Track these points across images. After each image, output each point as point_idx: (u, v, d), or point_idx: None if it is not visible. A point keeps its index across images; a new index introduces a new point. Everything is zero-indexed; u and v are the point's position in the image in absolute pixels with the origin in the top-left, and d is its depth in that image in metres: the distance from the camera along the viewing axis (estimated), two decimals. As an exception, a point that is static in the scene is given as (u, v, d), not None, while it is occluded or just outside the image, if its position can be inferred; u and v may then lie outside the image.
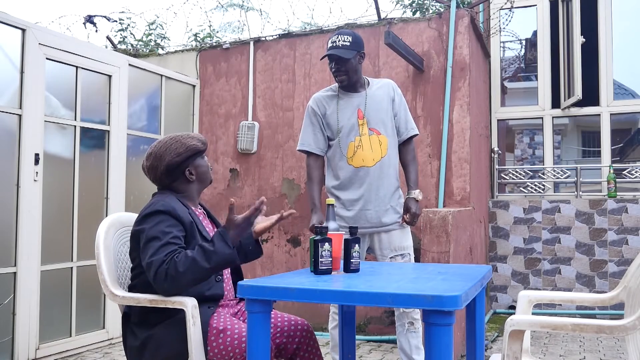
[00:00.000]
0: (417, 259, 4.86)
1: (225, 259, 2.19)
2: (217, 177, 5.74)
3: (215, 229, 2.54)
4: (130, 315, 2.35)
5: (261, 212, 2.37)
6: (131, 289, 2.37)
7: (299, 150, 3.41)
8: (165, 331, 2.23)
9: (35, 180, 4.12)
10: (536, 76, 6.48)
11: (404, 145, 3.45)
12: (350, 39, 3.20)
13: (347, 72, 3.24)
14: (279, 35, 5.77)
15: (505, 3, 5.74)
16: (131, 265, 2.41)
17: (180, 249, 2.21)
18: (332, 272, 2.21)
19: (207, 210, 2.64)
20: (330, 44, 3.22)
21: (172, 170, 2.42)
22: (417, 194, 3.34)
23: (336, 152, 3.30)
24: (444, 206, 4.90)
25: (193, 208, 2.47)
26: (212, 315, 2.27)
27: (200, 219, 2.45)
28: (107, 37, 6.82)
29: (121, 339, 2.48)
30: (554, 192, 6.19)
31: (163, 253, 2.18)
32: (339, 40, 3.20)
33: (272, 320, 2.40)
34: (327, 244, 2.17)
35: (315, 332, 3.40)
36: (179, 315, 2.20)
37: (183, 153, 2.42)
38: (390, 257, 3.32)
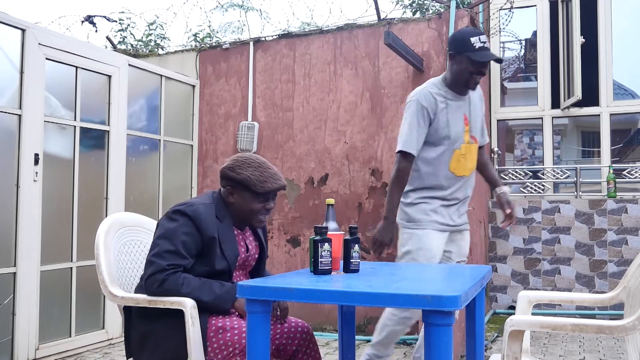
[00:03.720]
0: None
1: (216, 308, 2.25)
2: (216, 177, 5.72)
3: (256, 252, 2.53)
4: (131, 308, 2.35)
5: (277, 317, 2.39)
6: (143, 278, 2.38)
7: (402, 152, 3.05)
8: (166, 327, 2.23)
9: (35, 181, 4.12)
10: (536, 76, 6.48)
11: (480, 148, 3.31)
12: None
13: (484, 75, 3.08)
14: (278, 35, 5.77)
15: (505, 3, 5.74)
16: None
17: (184, 267, 2.24)
18: (332, 272, 2.21)
19: (261, 233, 2.58)
20: (481, 44, 2.98)
21: (222, 177, 2.43)
22: (506, 189, 3.27)
23: (440, 158, 3.08)
24: (443, 206, 4.89)
25: (232, 226, 2.41)
26: (212, 315, 2.27)
27: (233, 239, 2.38)
28: (107, 38, 6.82)
29: (121, 339, 2.48)
30: (554, 193, 6.18)
31: (167, 261, 2.20)
32: (486, 41, 3.00)
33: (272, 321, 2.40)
34: (326, 244, 2.17)
35: (315, 333, 3.40)
36: (177, 315, 2.20)
37: (237, 174, 2.35)
38: (457, 262, 3.25)
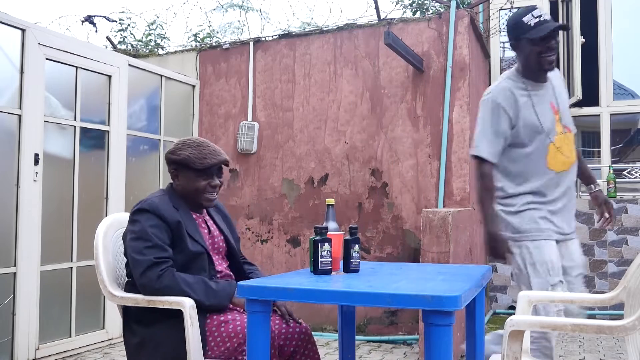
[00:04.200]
0: (416, 259, 4.87)
1: (215, 306, 2.25)
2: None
3: (219, 235, 2.53)
4: (129, 311, 2.35)
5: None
6: (127, 285, 2.39)
7: (477, 157, 2.80)
8: (163, 331, 2.23)
9: (35, 181, 4.12)
10: (536, 76, 6.47)
11: None
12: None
13: (556, 50, 2.75)
14: (278, 35, 5.77)
15: (505, 3, 5.74)
16: (126, 262, 2.42)
17: (170, 259, 2.25)
18: (332, 272, 2.21)
19: (220, 217, 2.60)
20: (536, 19, 2.68)
21: (166, 162, 2.48)
22: (601, 186, 2.99)
23: (534, 156, 2.76)
24: (443, 206, 4.90)
25: (191, 212, 2.45)
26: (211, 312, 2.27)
27: (194, 223, 2.42)
28: (107, 38, 6.82)
29: (121, 339, 2.49)
30: (554, 193, 6.17)
31: (151, 255, 2.21)
32: (543, 14, 2.71)
33: (270, 322, 2.40)
34: (326, 244, 2.17)
35: (315, 333, 3.40)
36: (177, 313, 2.20)
37: (177, 155, 2.42)
38: (575, 275, 2.83)
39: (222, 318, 2.23)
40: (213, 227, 2.53)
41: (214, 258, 2.42)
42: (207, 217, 2.55)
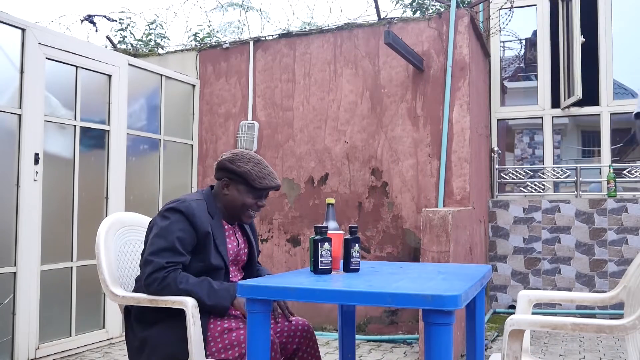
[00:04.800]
0: (416, 259, 4.87)
1: (216, 306, 2.24)
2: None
3: (245, 248, 2.53)
4: (130, 311, 2.36)
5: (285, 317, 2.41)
6: (138, 279, 2.40)
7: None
8: (164, 331, 2.23)
9: (35, 180, 4.12)
10: (536, 76, 6.48)
11: None
12: None
13: None
14: (278, 35, 5.77)
15: (505, 3, 5.74)
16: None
17: (182, 264, 2.25)
18: (332, 272, 2.21)
19: (249, 228, 2.60)
20: None
21: (218, 168, 2.44)
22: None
23: None
24: (443, 206, 4.90)
25: (222, 221, 2.44)
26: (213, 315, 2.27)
27: (224, 234, 2.41)
28: (107, 37, 6.82)
29: (121, 339, 2.49)
30: (554, 192, 6.18)
31: (165, 259, 2.21)
32: None
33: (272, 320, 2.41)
34: (327, 243, 2.17)
35: (316, 332, 3.40)
36: (177, 314, 2.20)
37: (236, 166, 2.38)
38: None
39: (225, 325, 2.22)
40: (241, 239, 2.52)
41: (230, 269, 2.42)
42: (237, 228, 2.55)
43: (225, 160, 2.41)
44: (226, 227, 2.45)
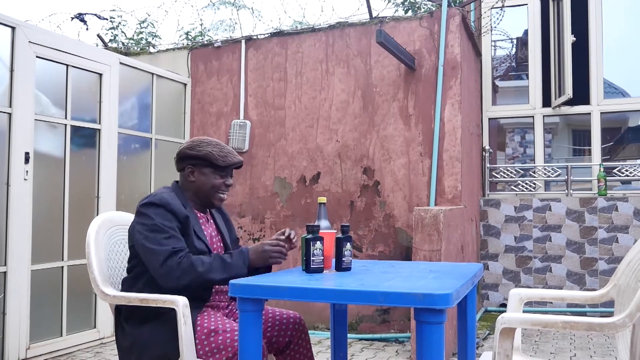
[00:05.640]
0: (408, 257, 4.88)
1: (237, 275, 2.21)
2: (208, 175, 5.72)
3: (217, 236, 2.53)
4: (121, 310, 2.35)
5: (294, 246, 2.41)
6: (126, 282, 2.38)
7: None
8: (153, 331, 2.22)
9: (25, 179, 4.10)
10: (527, 75, 6.50)
11: None
12: None
13: None
14: (270, 33, 5.76)
15: (497, 2, 5.76)
16: (128, 257, 2.41)
17: (185, 248, 2.24)
18: (324, 271, 2.21)
19: (220, 217, 2.61)
20: None
21: (180, 159, 2.46)
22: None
23: None
24: (435, 204, 4.91)
25: (195, 210, 2.45)
26: (202, 314, 2.26)
27: (199, 222, 2.42)
28: (98, 36, 6.79)
29: (112, 339, 2.48)
30: (545, 191, 6.21)
31: (169, 245, 2.20)
32: None
33: (264, 314, 2.40)
34: (318, 242, 2.17)
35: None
36: (167, 314, 2.19)
37: (197, 151, 2.41)
38: None
39: (212, 327, 2.20)
40: (212, 228, 2.53)
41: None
42: (209, 217, 2.56)
43: (185, 148, 2.45)
44: (199, 215, 2.47)
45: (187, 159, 2.43)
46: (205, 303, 2.33)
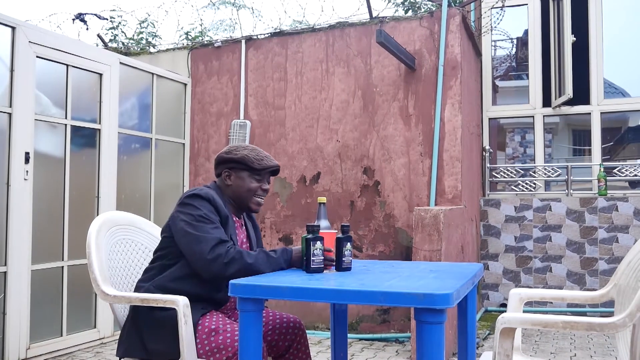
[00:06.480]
0: (408, 257, 4.88)
1: (275, 270, 2.24)
2: (209, 175, 5.73)
3: (246, 242, 2.53)
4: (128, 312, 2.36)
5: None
6: (148, 270, 2.40)
7: None
8: (154, 331, 2.22)
9: (25, 179, 4.10)
10: (527, 75, 6.50)
11: None
12: None
13: None
14: (270, 33, 5.76)
15: (497, 2, 5.76)
16: (156, 247, 2.42)
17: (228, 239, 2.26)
18: (324, 271, 2.21)
19: (251, 226, 2.62)
20: None
21: (218, 163, 2.49)
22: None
23: None
24: (435, 204, 4.91)
25: (231, 214, 2.46)
26: (204, 315, 2.26)
27: (234, 225, 2.43)
28: (98, 35, 6.79)
29: (113, 339, 2.48)
30: (545, 191, 6.21)
31: (217, 234, 2.22)
32: None
33: (264, 317, 2.40)
34: (319, 242, 2.17)
35: (307, 331, 3.40)
36: (168, 314, 2.19)
37: (233, 155, 2.43)
38: None
39: (212, 326, 2.20)
40: (244, 234, 2.54)
41: None
42: (243, 222, 2.57)
43: (222, 153, 2.48)
44: (235, 219, 2.48)
45: (224, 163, 2.46)
46: (221, 306, 2.34)
